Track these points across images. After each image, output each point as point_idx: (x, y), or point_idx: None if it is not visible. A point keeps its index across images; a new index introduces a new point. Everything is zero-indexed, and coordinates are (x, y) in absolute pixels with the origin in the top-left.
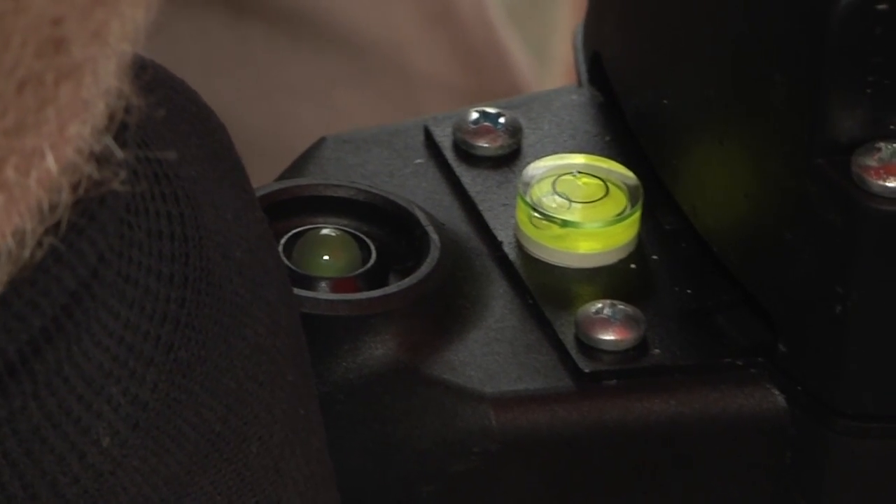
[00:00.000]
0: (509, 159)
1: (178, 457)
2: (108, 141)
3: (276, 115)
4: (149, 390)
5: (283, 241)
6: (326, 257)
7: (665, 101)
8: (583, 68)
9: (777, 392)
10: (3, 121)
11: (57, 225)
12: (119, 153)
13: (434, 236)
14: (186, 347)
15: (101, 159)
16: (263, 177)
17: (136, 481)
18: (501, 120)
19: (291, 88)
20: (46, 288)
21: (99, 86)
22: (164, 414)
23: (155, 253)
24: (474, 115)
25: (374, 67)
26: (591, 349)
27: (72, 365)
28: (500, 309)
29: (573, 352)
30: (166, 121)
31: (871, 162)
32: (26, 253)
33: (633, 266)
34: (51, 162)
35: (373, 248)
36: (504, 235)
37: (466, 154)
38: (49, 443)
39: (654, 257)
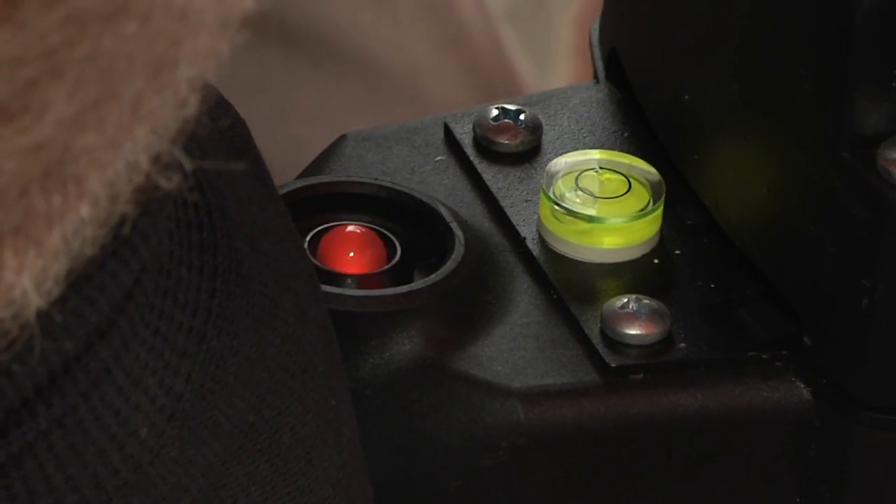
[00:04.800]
0: (530, 155)
1: (214, 447)
2: (176, 151)
3: (292, 138)
4: (183, 381)
5: (307, 238)
6: (352, 254)
7: (686, 97)
8: (600, 65)
9: (802, 385)
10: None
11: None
12: (185, 161)
13: (458, 232)
14: (218, 338)
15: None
16: None
17: (174, 472)
18: (522, 116)
19: (307, 113)
20: (103, 284)
21: None
22: (198, 405)
23: (185, 243)
24: (494, 112)
25: (388, 92)
26: (616, 343)
27: (114, 357)
28: (524, 304)
29: (599, 346)
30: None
31: None
32: (87, 251)
33: (656, 261)
34: (122, 163)
35: (397, 244)
36: (527, 231)
37: (487, 150)
38: (91, 435)
39: (677, 252)
